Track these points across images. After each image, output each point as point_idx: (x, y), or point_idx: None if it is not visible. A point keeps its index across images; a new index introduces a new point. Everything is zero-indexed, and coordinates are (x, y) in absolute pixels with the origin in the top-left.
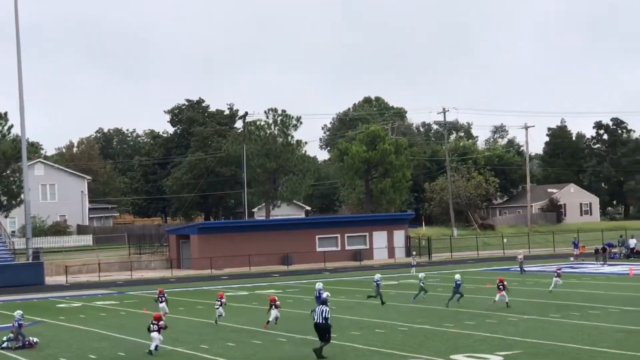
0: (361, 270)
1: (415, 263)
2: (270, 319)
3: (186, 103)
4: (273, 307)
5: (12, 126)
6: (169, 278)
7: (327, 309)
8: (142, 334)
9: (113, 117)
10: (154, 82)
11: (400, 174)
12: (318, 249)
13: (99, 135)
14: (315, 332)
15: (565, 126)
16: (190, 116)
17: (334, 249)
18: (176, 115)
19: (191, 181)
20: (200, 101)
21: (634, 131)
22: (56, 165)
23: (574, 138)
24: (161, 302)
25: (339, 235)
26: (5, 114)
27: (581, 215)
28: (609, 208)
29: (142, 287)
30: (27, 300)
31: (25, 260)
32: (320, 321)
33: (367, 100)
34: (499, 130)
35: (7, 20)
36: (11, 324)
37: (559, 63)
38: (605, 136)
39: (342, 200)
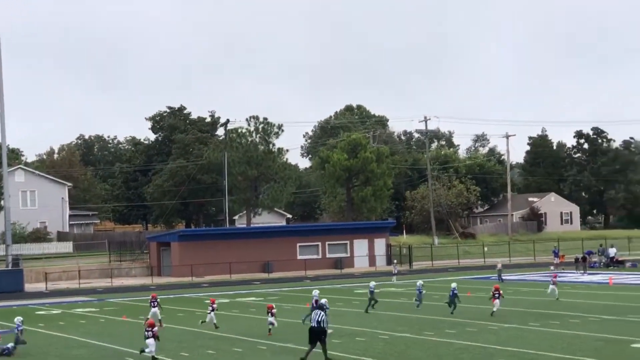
0: (342, 278)
1: (396, 271)
2: (270, 327)
3: (168, 110)
4: (270, 314)
5: None
6: (150, 285)
7: (323, 313)
8: (121, 342)
9: (94, 124)
10: (136, 89)
11: (382, 182)
12: (299, 257)
13: (80, 142)
14: (308, 336)
15: (546, 135)
16: (172, 123)
17: (314, 256)
18: (157, 122)
19: (172, 188)
20: (181, 108)
21: (614, 140)
22: (37, 172)
23: (554, 147)
24: (153, 306)
25: (320, 243)
26: None
27: (562, 224)
28: (590, 217)
29: (122, 295)
30: (6, 307)
31: (5, 267)
32: (315, 325)
33: (348, 108)
34: (480, 139)
35: None
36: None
37: (540, 72)
38: (586, 145)
39: (323, 208)
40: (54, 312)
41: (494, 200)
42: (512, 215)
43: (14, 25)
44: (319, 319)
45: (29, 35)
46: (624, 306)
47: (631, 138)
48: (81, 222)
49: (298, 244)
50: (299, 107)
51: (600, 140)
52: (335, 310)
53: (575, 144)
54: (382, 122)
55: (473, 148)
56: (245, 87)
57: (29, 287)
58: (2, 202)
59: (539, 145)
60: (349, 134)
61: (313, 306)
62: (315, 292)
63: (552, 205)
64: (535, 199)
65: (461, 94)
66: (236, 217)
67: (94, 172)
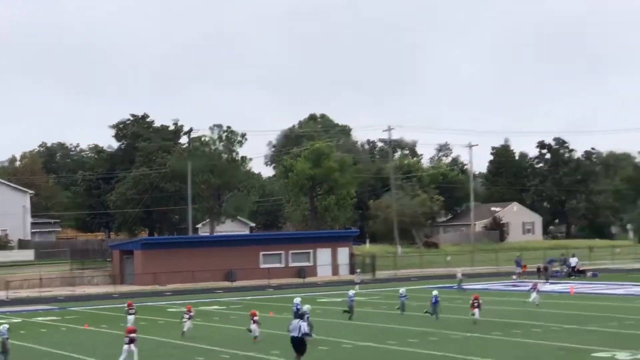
0: (305, 287)
1: (359, 280)
2: (256, 334)
3: (131, 118)
4: (252, 321)
5: None
6: (112, 294)
7: (306, 323)
8: (83, 350)
9: (57, 132)
10: (99, 97)
11: (345, 192)
12: (262, 266)
13: (42, 149)
14: (291, 345)
15: (509, 145)
16: (135, 131)
17: (278, 265)
18: (121, 130)
19: (135, 196)
20: (145, 116)
21: (576, 151)
22: None
23: (517, 157)
24: (130, 314)
25: (283, 252)
26: None
27: (524, 233)
28: (551, 227)
29: (84, 303)
30: None
31: None
32: (297, 335)
33: (312, 117)
34: (444, 148)
35: None
36: None
37: (503, 83)
38: (548, 156)
39: (287, 217)
40: (15, 320)
41: (457, 209)
42: (474, 224)
43: None
44: (303, 330)
45: None
46: (584, 315)
47: (592, 149)
48: (43, 230)
49: (261, 253)
50: (262, 116)
51: (562, 151)
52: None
53: (537, 154)
54: (345, 131)
55: (436, 157)
56: (209, 96)
57: None
58: None
59: (502, 155)
60: (312, 143)
61: (295, 313)
62: (297, 300)
63: (515, 215)
64: (497, 209)
65: (425, 103)
66: (199, 226)
67: (57, 180)
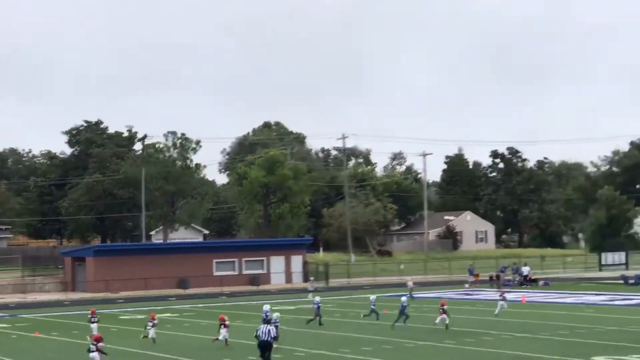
0: (258, 294)
1: (312, 288)
2: (220, 338)
3: (84, 124)
4: (222, 326)
5: None
6: (64, 301)
7: (274, 328)
8: (33, 358)
9: (8, 137)
10: (51, 102)
11: (299, 199)
12: (215, 273)
13: None
14: (258, 349)
15: (463, 154)
16: (89, 137)
17: (231, 273)
18: (74, 136)
19: (88, 203)
20: (98, 122)
21: (529, 161)
22: None
23: (470, 166)
24: (92, 322)
25: (236, 259)
26: None
27: (477, 242)
28: (504, 236)
29: (35, 310)
30: None
31: None
32: (266, 339)
33: (266, 124)
34: (398, 157)
35: None
36: None
37: (456, 92)
38: (501, 165)
39: (240, 225)
40: None
41: (411, 218)
42: (428, 233)
43: None
44: (272, 335)
45: None
46: (536, 324)
47: (545, 158)
48: None
49: (214, 260)
50: (216, 123)
51: (515, 160)
52: (252, 327)
53: (490, 163)
54: (300, 139)
55: (390, 166)
56: (163, 103)
57: None
58: None
59: (456, 164)
60: (266, 150)
61: (264, 319)
62: (266, 307)
63: (468, 223)
64: (451, 218)
65: (379, 112)
66: (153, 233)
67: (8, 186)
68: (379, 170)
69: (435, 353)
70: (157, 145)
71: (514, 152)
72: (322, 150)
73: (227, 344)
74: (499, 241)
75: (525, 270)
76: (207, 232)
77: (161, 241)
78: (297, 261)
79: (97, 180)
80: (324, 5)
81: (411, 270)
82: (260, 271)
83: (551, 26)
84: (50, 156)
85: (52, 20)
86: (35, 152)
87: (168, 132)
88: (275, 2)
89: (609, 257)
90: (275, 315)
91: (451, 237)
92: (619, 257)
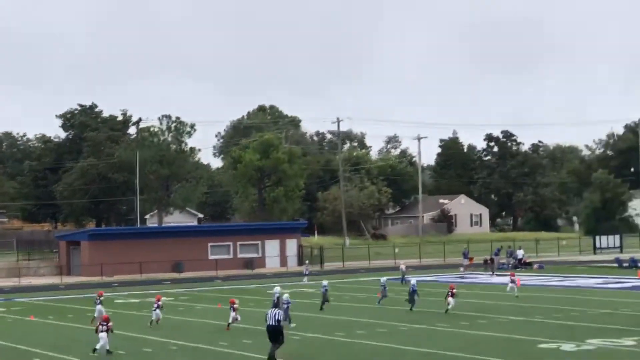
0: (253, 278)
1: (307, 272)
2: (230, 321)
3: (79, 108)
4: (232, 309)
5: None
6: (59, 285)
7: (280, 311)
8: (29, 342)
9: (2, 121)
10: (46, 86)
11: (294, 183)
12: (210, 257)
13: None
14: (267, 335)
15: (457, 138)
16: (83, 121)
17: (226, 257)
18: (68, 120)
19: (83, 187)
20: (93, 106)
21: (523, 144)
22: None
23: (465, 150)
24: (97, 303)
25: (231, 243)
26: None
27: (471, 226)
28: (499, 219)
29: (30, 294)
30: None
31: None
32: (273, 323)
33: (261, 108)
34: (392, 140)
35: None
36: None
37: (451, 76)
38: (496, 148)
39: (235, 209)
40: None
41: (405, 201)
42: (422, 216)
43: None
44: (278, 318)
45: None
46: (531, 307)
47: (539, 142)
48: None
49: (209, 244)
50: (211, 107)
51: (509, 144)
52: (246, 310)
53: (485, 146)
54: (294, 122)
55: (385, 150)
56: (157, 86)
57: None
58: None
59: (450, 147)
60: (261, 134)
61: (274, 303)
62: (277, 289)
63: (462, 207)
64: (445, 201)
65: (374, 96)
66: (147, 217)
67: (2, 170)
68: (374, 154)
69: (429, 336)
70: (151, 129)
71: (508, 135)
72: (317, 133)
73: (229, 328)
74: (493, 224)
75: (520, 253)
76: (201, 215)
77: (156, 225)
78: (291, 245)
79: (92, 164)
80: None
81: (406, 254)
82: (255, 255)
83: (546, 8)
84: (44, 140)
85: (47, 6)
86: (30, 136)
87: (162, 116)
88: None
89: (603, 240)
90: (286, 296)
91: (446, 221)
92: (614, 240)
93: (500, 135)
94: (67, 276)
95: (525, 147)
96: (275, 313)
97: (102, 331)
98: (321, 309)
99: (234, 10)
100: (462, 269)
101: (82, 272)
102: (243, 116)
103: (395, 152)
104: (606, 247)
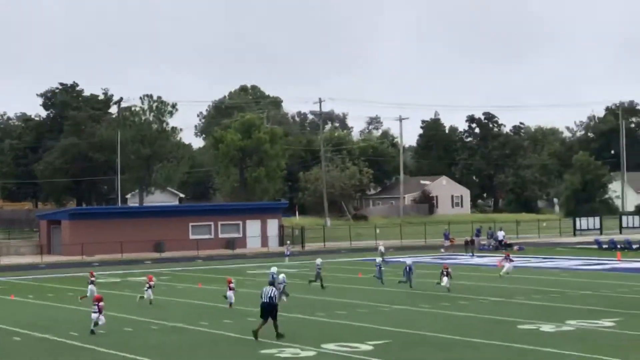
0: (234, 258)
1: (289, 252)
2: (231, 301)
3: (60, 87)
4: (228, 288)
5: None
6: (39, 264)
7: (274, 289)
8: (8, 321)
9: None
10: (27, 65)
11: (275, 163)
12: (191, 237)
13: None
14: (260, 311)
15: (439, 119)
16: (64, 100)
17: (207, 236)
18: (49, 99)
19: (64, 166)
20: (74, 85)
21: (505, 126)
22: None
23: (447, 131)
24: (90, 283)
25: (212, 223)
26: None
27: (452, 207)
28: (480, 201)
29: (10, 273)
30: None
31: None
32: (267, 300)
33: (243, 88)
34: (374, 121)
35: None
36: None
37: (434, 57)
38: (477, 130)
39: (216, 188)
40: None
41: (387, 182)
42: (404, 197)
43: None
44: (271, 295)
45: None
46: (511, 288)
47: (521, 124)
48: None
49: (190, 224)
50: (193, 87)
51: (491, 125)
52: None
53: (467, 128)
54: (276, 102)
55: (367, 130)
56: (139, 66)
57: None
58: None
59: (432, 128)
60: (243, 114)
61: (270, 281)
62: (273, 269)
63: (444, 188)
64: (427, 182)
65: (356, 76)
66: (129, 196)
67: None
68: (356, 135)
69: (410, 317)
70: (133, 109)
71: (490, 117)
72: (299, 114)
73: (231, 306)
74: (474, 206)
75: (500, 235)
76: (183, 195)
77: (137, 205)
78: (273, 225)
79: (73, 144)
80: None
81: (387, 235)
82: (236, 235)
83: None
84: (25, 119)
85: None
86: (10, 114)
87: (144, 95)
88: None
89: (583, 222)
90: (282, 276)
91: (427, 202)
92: (593, 222)
93: (482, 117)
94: (47, 255)
95: (506, 129)
96: (269, 290)
97: (93, 312)
98: (322, 287)
99: None
100: (442, 250)
101: (62, 252)
102: (225, 96)
103: (377, 133)
104: (586, 228)
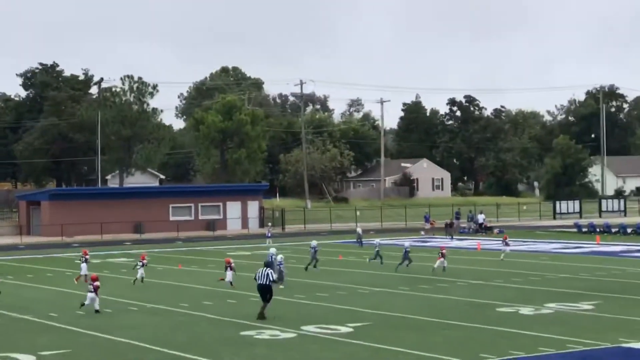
0: (214, 240)
1: (270, 234)
2: (226, 280)
3: (39, 67)
4: (228, 268)
5: None
6: (18, 245)
7: (271, 271)
8: None
9: None
10: (6, 45)
11: (256, 145)
12: (171, 218)
13: None
14: (259, 293)
15: (420, 102)
16: (44, 80)
17: (187, 218)
18: (29, 78)
19: (43, 147)
20: (54, 65)
21: (486, 109)
22: None
23: (428, 114)
24: (82, 262)
25: (192, 204)
26: None
27: (433, 190)
28: (460, 184)
29: None
30: None
31: None
32: (263, 282)
33: (224, 70)
34: (355, 103)
35: None
36: None
37: (416, 40)
38: (459, 113)
39: (197, 170)
40: None
41: (367, 165)
42: (384, 180)
43: None
44: (266, 275)
45: None
46: (490, 271)
47: (502, 107)
48: None
49: (170, 205)
50: (174, 68)
51: (472, 109)
52: (208, 272)
53: (448, 111)
54: (257, 84)
55: (348, 113)
56: (120, 47)
57: None
58: None
59: (413, 111)
60: (224, 95)
61: (266, 262)
62: (272, 250)
63: (424, 171)
64: (407, 165)
65: (337, 58)
66: (109, 177)
67: None
68: (337, 117)
69: (389, 299)
70: (113, 89)
71: (471, 100)
72: (280, 96)
73: (233, 285)
74: (455, 189)
75: (481, 218)
76: (163, 177)
77: (117, 186)
78: (253, 207)
79: (53, 124)
80: None
81: (367, 217)
82: (216, 216)
83: None
84: (4, 99)
85: None
86: None
87: (125, 76)
88: None
89: (563, 206)
90: (280, 257)
91: (407, 185)
92: (573, 205)
93: (463, 100)
94: (26, 236)
95: (487, 112)
96: (267, 273)
97: (89, 291)
98: (314, 267)
99: None
100: (423, 232)
101: (42, 232)
102: (206, 77)
103: (358, 115)
104: (566, 212)
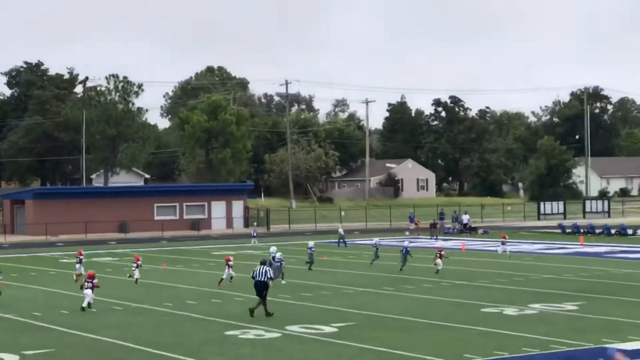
0: (199, 239)
1: (255, 234)
2: (224, 277)
3: (24, 65)
4: (227, 266)
5: None
6: (2, 244)
7: (269, 269)
8: None
9: None
10: None
11: (241, 145)
12: (156, 217)
13: None
14: (255, 290)
15: (405, 102)
16: (29, 79)
17: (172, 217)
18: (13, 77)
19: (28, 145)
20: (39, 64)
21: (471, 109)
22: None
23: (413, 114)
24: (78, 262)
25: (177, 204)
26: None
27: (418, 190)
28: (445, 184)
29: None
30: None
31: None
32: (261, 279)
33: (209, 69)
34: (340, 104)
35: None
36: None
37: (401, 40)
38: (444, 114)
39: (182, 169)
40: None
41: (352, 165)
42: (369, 180)
43: None
44: (264, 273)
45: None
46: (475, 272)
47: (487, 108)
48: None
49: (155, 205)
50: (159, 67)
51: (457, 109)
52: (190, 271)
53: (433, 111)
54: (242, 84)
55: (333, 113)
56: (105, 46)
57: None
58: None
59: (398, 111)
60: (209, 95)
61: (262, 260)
62: (273, 249)
63: (409, 171)
64: (392, 165)
65: (323, 58)
66: (93, 176)
67: None
68: (322, 117)
69: (374, 299)
70: (98, 88)
71: (456, 100)
72: (265, 95)
73: (222, 283)
74: (439, 189)
75: (465, 218)
76: (148, 176)
77: (102, 185)
78: (238, 206)
79: (37, 123)
80: None
81: (352, 217)
82: (201, 216)
83: None
84: None
85: None
86: None
87: (110, 75)
88: None
89: (547, 207)
90: (279, 255)
91: (392, 185)
92: (557, 206)
93: (448, 101)
94: (11, 235)
95: (472, 113)
96: (265, 271)
97: (87, 288)
98: (309, 269)
99: None
100: (407, 232)
101: (26, 231)
102: (191, 77)
103: (343, 115)
104: (550, 213)
